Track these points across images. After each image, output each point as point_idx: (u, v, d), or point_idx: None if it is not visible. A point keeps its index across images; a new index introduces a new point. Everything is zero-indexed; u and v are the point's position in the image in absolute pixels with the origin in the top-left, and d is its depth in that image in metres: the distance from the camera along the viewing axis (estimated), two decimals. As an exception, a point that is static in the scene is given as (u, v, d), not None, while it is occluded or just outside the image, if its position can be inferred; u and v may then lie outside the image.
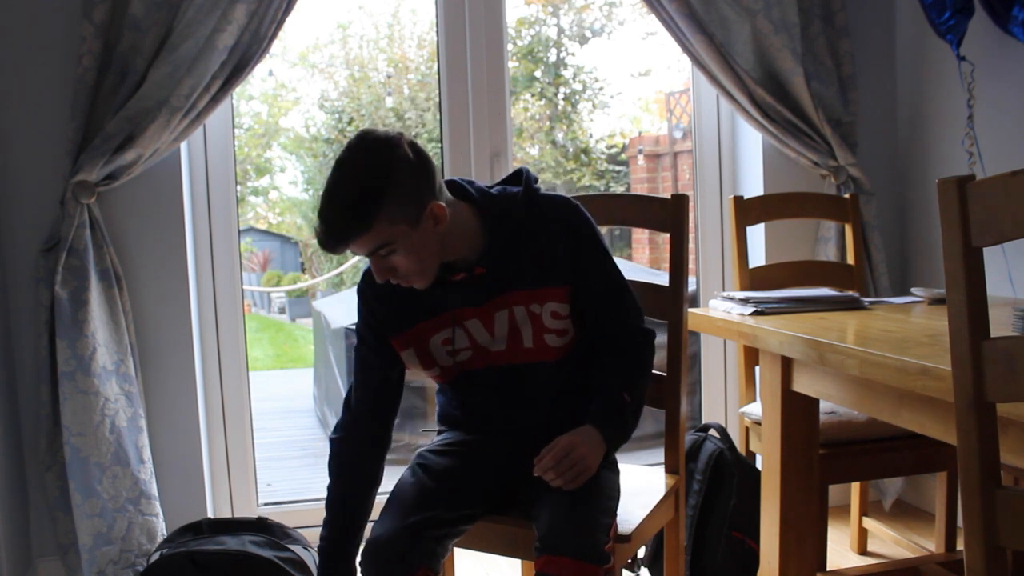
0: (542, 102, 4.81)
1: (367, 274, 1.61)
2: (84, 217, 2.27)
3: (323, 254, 6.84)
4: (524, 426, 1.65)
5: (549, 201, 1.62)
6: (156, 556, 2.09)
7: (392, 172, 1.43)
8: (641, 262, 4.62)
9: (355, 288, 1.68)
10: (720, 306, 1.99)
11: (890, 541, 2.55)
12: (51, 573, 2.42)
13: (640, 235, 4.59)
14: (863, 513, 2.56)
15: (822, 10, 2.73)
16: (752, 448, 2.31)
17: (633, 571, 2.11)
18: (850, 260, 2.62)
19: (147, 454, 2.36)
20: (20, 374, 2.39)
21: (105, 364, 2.29)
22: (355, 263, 5.76)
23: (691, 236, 2.80)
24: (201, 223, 2.62)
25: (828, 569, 2.26)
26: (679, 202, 1.84)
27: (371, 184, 1.42)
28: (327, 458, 1.65)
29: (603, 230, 1.73)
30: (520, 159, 4.49)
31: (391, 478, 1.67)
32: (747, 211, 2.50)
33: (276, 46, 2.45)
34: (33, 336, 2.33)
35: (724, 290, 2.92)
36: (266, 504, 2.79)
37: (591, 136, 4.88)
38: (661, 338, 1.83)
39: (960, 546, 2.25)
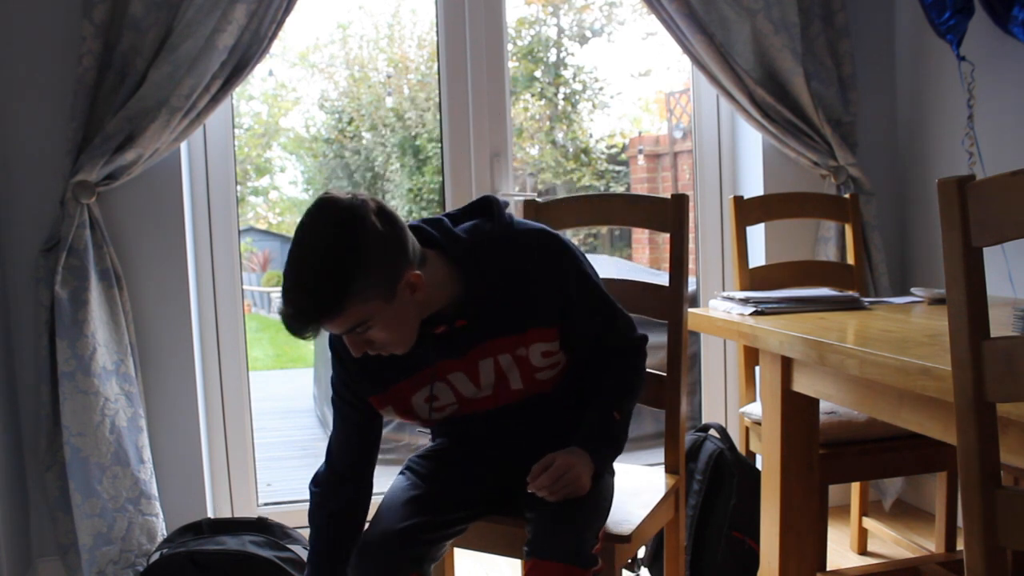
0: (542, 102, 4.80)
1: None
2: (84, 217, 2.27)
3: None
4: (518, 449, 1.62)
5: (525, 236, 1.51)
6: (156, 556, 2.09)
7: (361, 248, 1.29)
8: (641, 262, 4.62)
9: None
10: (720, 306, 1.99)
11: (890, 541, 2.55)
12: (51, 573, 2.42)
13: (640, 235, 4.59)
14: (863, 513, 2.56)
15: (822, 10, 2.73)
16: (752, 448, 2.31)
17: (633, 571, 2.12)
18: (850, 260, 2.62)
19: (147, 454, 2.36)
20: (20, 374, 2.39)
21: (105, 364, 2.29)
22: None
23: (691, 236, 2.80)
24: (201, 223, 2.62)
25: (828, 569, 2.26)
26: (679, 202, 1.84)
27: (339, 265, 1.29)
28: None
29: (603, 230, 1.72)
30: (520, 159, 4.49)
31: (388, 478, 1.67)
32: (747, 211, 2.50)
33: (276, 46, 2.45)
34: (33, 336, 2.33)
35: (724, 290, 2.92)
36: (266, 504, 2.79)
37: (591, 136, 4.87)
38: (660, 338, 1.83)
39: (960, 546, 2.25)
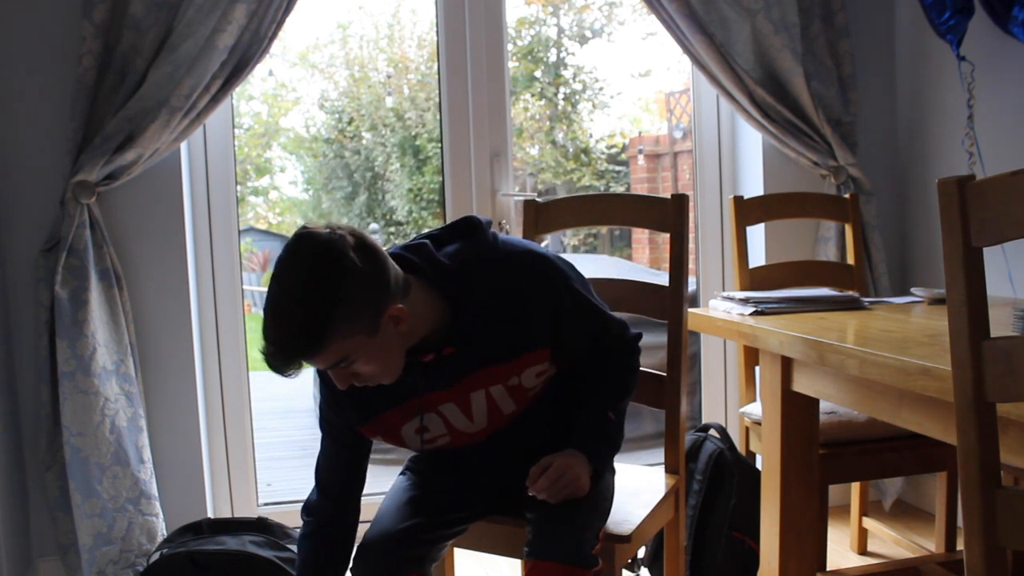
0: (542, 102, 4.81)
1: None
2: (84, 217, 2.27)
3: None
4: (513, 467, 1.59)
5: (515, 255, 1.48)
6: (156, 556, 2.09)
7: (341, 285, 1.27)
8: (641, 262, 4.62)
9: None
10: (720, 306, 1.99)
11: (890, 541, 2.55)
12: (51, 573, 2.42)
13: (640, 235, 4.59)
14: (863, 513, 2.56)
15: (822, 10, 2.73)
16: (752, 448, 2.31)
17: (633, 571, 2.12)
18: (850, 260, 2.62)
19: (147, 454, 2.36)
20: (20, 374, 2.39)
21: (105, 364, 2.29)
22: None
23: (691, 236, 2.80)
24: (201, 223, 2.62)
25: (828, 569, 2.26)
26: (679, 202, 1.84)
27: (319, 304, 1.26)
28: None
29: (603, 230, 1.72)
30: (520, 159, 4.49)
31: (387, 478, 1.66)
32: (747, 211, 2.50)
33: (276, 46, 2.45)
34: (33, 336, 2.33)
35: (724, 290, 2.92)
36: (266, 504, 2.79)
37: (591, 136, 4.88)
38: (660, 338, 1.83)
39: (960, 546, 2.25)
